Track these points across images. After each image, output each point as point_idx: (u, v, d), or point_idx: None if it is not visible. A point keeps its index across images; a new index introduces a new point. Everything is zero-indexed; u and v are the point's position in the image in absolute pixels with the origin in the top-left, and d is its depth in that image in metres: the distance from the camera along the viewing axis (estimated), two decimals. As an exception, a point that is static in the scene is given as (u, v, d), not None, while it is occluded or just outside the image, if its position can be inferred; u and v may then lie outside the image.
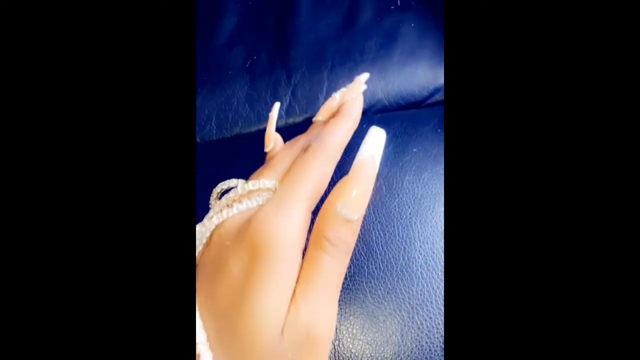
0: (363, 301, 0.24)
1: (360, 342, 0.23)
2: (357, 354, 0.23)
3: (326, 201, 0.19)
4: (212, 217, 0.20)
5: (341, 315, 0.24)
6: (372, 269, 0.25)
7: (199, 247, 0.20)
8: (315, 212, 0.19)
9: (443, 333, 0.23)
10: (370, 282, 0.24)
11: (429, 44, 0.40)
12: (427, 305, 0.24)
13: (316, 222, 0.19)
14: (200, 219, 0.21)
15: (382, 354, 0.23)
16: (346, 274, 0.25)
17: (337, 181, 0.19)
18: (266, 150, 0.25)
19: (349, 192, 0.18)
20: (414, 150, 0.29)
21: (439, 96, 0.40)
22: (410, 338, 0.23)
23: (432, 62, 0.39)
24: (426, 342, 0.23)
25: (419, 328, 0.23)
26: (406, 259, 0.25)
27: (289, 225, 0.18)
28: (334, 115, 0.24)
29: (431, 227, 0.26)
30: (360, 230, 0.26)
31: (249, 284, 0.17)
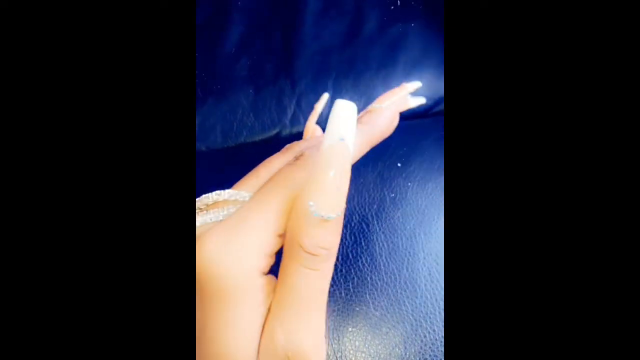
0: (366, 313, 0.24)
1: (364, 355, 0.23)
2: (360, 366, 0.23)
3: (296, 201, 0.16)
4: None
5: (344, 327, 0.23)
6: (375, 280, 0.25)
7: None
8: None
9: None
10: (374, 293, 0.24)
11: (433, 54, 0.40)
12: (430, 317, 0.24)
13: (288, 228, 0.16)
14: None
15: (386, 367, 0.23)
16: (349, 286, 0.24)
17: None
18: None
19: (320, 185, 0.15)
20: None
21: (443, 106, 0.40)
22: (413, 350, 0.23)
23: (436, 71, 0.40)
24: (430, 355, 0.23)
25: (422, 340, 0.23)
26: (410, 270, 0.25)
27: (236, 253, 0.15)
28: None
29: (435, 238, 0.26)
30: (364, 241, 0.26)
31: (203, 321, 0.15)
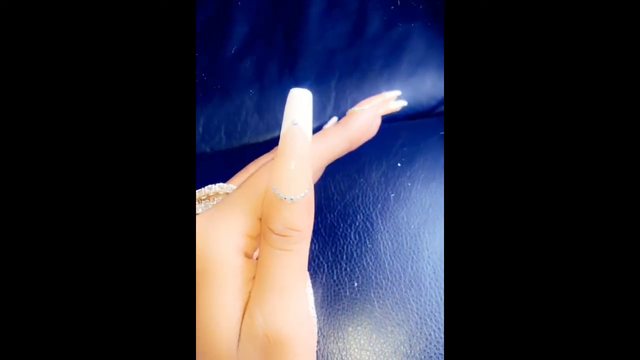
0: (371, 311, 0.24)
1: (368, 353, 0.23)
2: (365, 364, 0.23)
3: (265, 188, 0.17)
4: None
5: (349, 325, 0.24)
6: (380, 279, 0.25)
7: None
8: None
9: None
10: (379, 292, 0.24)
11: (436, 54, 0.40)
12: (435, 315, 0.24)
13: (262, 215, 0.17)
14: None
15: (391, 365, 0.23)
16: (354, 285, 0.25)
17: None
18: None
19: (281, 169, 0.16)
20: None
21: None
22: (418, 349, 0.23)
23: (440, 71, 0.40)
24: (434, 353, 0.23)
25: (427, 339, 0.23)
26: (415, 269, 0.25)
27: (216, 233, 0.16)
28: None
29: (439, 237, 0.26)
30: (368, 240, 0.26)
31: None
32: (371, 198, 0.27)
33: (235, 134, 0.39)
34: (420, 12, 0.42)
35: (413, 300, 0.24)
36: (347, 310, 0.24)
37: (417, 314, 0.24)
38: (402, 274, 0.25)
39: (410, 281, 0.24)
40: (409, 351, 0.23)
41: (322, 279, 0.25)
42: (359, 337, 0.23)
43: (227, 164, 0.35)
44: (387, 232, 0.26)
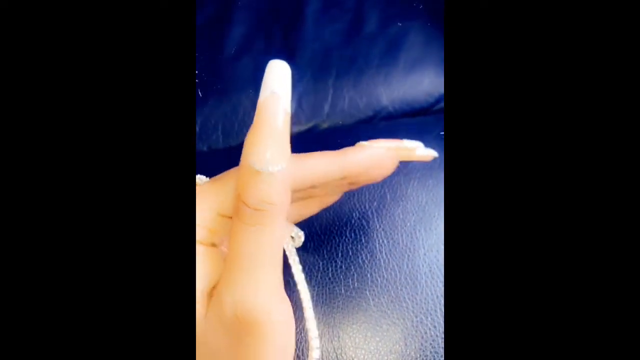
0: (366, 309, 0.24)
1: (364, 351, 0.23)
2: (360, 363, 0.23)
3: (241, 162, 0.16)
4: None
5: (344, 323, 0.23)
6: (375, 277, 0.24)
7: None
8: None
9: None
10: (374, 290, 0.24)
11: (434, 51, 0.40)
12: (431, 314, 0.23)
13: (236, 190, 0.16)
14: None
15: (386, 364, 0.23)
16: (349, 283, 0.24)
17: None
18: None
19: (257, 139, 0.16)
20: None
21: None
22: (414, 347, 0.23)
23: (438, 69, 0.39)
24: (430, 352, 0.23)
25: (422, 337, 0.23)
26: (410, 267, 0.25)
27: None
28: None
29: (436, 234, 0.26)
30: (364, 238, 0.26)
31: None
32: (367, 196, 0.27)
33: (233, 132, 0.39)
34: (419, 11, 0.42)
35: (409, 299, 0.24)
36: (342, 308, 0.24)
37: (413, 312, 0.23)
38: (397, 272, 0.24)
39: (406, 279, 0.24)
40: (404, 349, 0.23)
41: (317, 276, 0.25)
42: (354, 335, 0.23)
43: (224, 163, 0.35)
44: (383, 229, 0.26)
